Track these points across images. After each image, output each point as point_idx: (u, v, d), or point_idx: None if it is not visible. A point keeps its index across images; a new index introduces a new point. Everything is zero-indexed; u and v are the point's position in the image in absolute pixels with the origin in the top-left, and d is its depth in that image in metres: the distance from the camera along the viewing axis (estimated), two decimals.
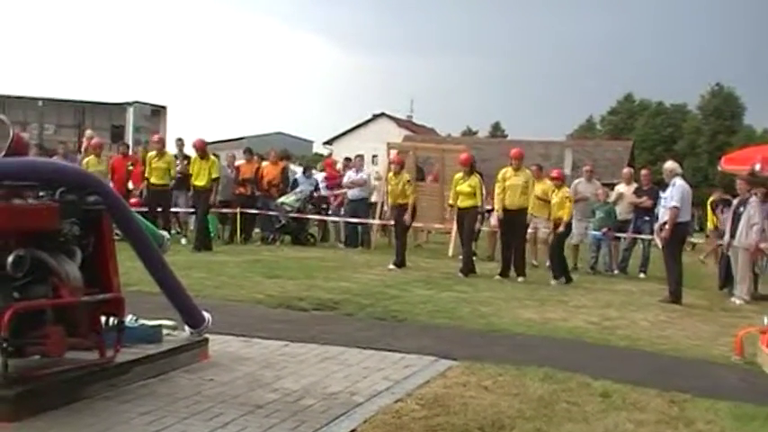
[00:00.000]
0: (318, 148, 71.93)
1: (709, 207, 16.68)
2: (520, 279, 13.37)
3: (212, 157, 16.47)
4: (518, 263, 13.70)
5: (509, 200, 13.85)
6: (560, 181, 14.53)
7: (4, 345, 4.54)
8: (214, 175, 15.97)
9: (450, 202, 14.96)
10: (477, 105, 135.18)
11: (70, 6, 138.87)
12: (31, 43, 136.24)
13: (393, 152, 20.36)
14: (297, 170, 20.78)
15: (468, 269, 13.85)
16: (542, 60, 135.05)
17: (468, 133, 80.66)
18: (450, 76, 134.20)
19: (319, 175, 20.73)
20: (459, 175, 14.40)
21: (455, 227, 15.66)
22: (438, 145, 28.30)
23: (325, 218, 20.43)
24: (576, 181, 17.72)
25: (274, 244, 18.34)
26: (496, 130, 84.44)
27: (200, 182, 16.11)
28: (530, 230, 15.40)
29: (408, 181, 15.28)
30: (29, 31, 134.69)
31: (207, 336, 6.48)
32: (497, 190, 14.11)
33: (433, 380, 6.12)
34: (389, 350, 7.10)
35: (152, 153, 16.86)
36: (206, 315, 6.47)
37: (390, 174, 15.74)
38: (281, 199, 18.50)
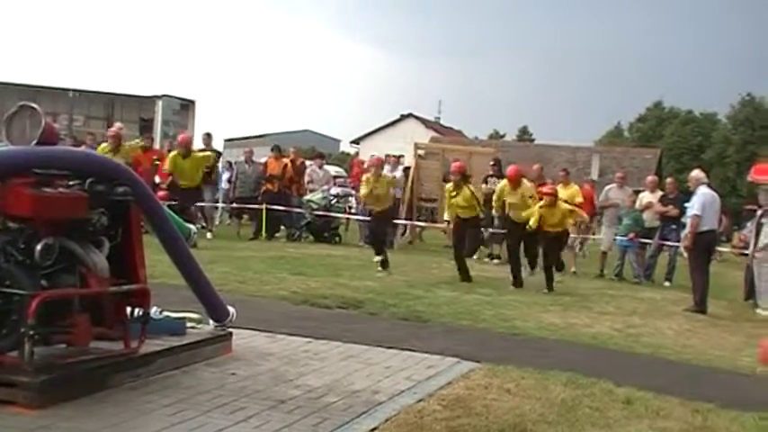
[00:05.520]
0: (345, 147, 72.03)
1: None
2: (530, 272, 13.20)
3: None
4: (531, 259, 13.36)
5: (513, 215, 13.52)
6: (553, 197, 12.93)
7: (31, 333, 4.57)
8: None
9: (446, 217, 13.66)
10: (505, 108, 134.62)
11: None
12: (63, 35, 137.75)
13: (420, 152, 20.37)
14: (331, 169, 20.84)
15: (464, 278, 13.05)
16: (571, 65, 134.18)
17: (496, 136, 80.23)
18: (479, 79, 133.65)
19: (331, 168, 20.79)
20: (450, 186, 13.38)
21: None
22: (465, 147, 28.26)
23: (351, 216, 20.45)
24: (608, 187, 17.61)
25: (299, 241, 18.39)
26: (524, 134, 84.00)
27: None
28: None
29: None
30: (61, 23, 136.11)
31: (231, 330, 6.51)
32: (494, 204, 14.33)
33: (455, 381, 6.11)
34: (413, 350, 7.10)
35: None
36: (230, 309, 6.51)
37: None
38: (308, 197, 18.57)
